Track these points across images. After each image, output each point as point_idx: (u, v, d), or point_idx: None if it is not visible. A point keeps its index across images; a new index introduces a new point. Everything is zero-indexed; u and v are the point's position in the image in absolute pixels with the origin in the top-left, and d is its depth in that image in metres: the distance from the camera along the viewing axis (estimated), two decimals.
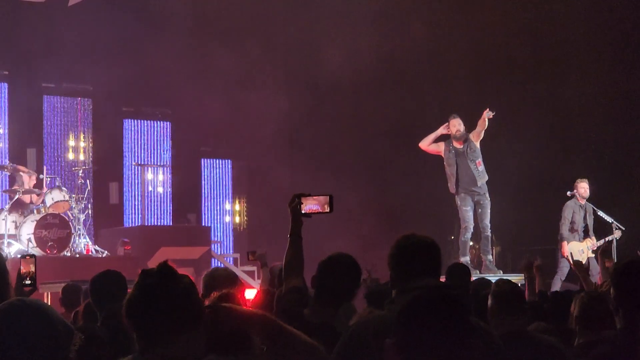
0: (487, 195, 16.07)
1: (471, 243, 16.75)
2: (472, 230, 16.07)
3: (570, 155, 18.97)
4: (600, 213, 16.01)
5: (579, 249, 16.08)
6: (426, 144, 16.17)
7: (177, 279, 3.69)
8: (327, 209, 6.03)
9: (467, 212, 15.98)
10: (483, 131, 15.90)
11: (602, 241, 15.95)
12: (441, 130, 16.04)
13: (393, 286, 4.58)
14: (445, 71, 20.05)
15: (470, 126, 16.04)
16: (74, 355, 4.03)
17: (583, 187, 16.31)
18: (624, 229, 15.79)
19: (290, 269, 5.94)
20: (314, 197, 6.05)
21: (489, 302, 6.95)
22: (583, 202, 16.33)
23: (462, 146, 15.95)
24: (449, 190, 16.16)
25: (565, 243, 16.22)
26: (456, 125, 15.98)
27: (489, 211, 16.06)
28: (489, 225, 16.11)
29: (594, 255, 15.86)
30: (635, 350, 4.69)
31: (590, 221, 16.38)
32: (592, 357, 5.16)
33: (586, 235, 16.35)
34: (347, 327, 4.86)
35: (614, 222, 15.85)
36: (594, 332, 6.54)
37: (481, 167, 15.98)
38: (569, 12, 18.62)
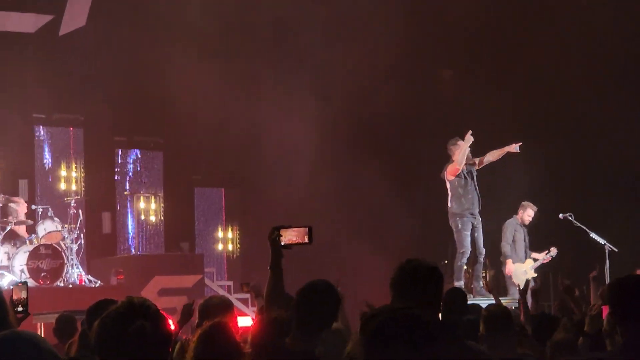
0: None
1: (465, 267, 16.72)
2: (468, 255, 16.02)
3: (559, 182, 19.00)
4: (593, 235, 16.04)
5: (522, 270, 16.36)
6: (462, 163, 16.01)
7: (166, 324, 3.63)
8: (306, 240, 6.05)
9: (466, 237, 15.87)
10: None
11: (542, 256, 16.64)
12: (468, 141, 15.88)
13: None
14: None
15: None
16: None
17: (529, 215, 16.76)
18: (616, 250, 15.82)
19: (271, 301, 5.99)
20: (294, 229, 6.08)
21: (480, 326, 7.01)
22: (522, 223, 16.79)
23: (467, 168, 15.92)
24: (452, 210, 15.98)
25: (510, 261, 16.47)
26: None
27: (482, 234, 16.08)
28: (484, 250, 16.10)
29: (536, 275, 16.23)
30: None
31: (527, 243, 16.84)
32: None
33: (526, 256, 16.67)
34: (342, 354, 4.86)
35: (607, 243, 15.88)
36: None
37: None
38: None
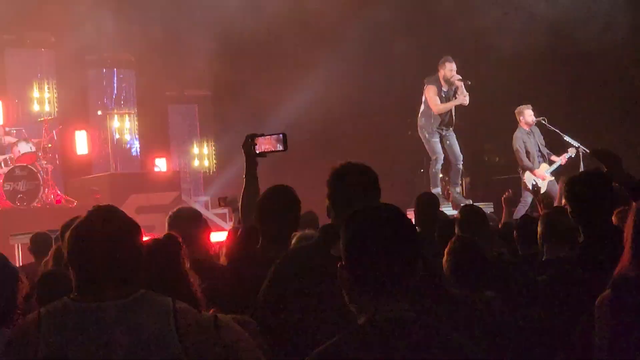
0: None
1: (441, 175, 16.61)
2: (442, 161, 15.94)
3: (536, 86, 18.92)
4: (567, 138, 15.97)
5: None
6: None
7: (137, 228, 3.55)
8: (280, 148, 6.06)
9: (436, 144, 15.80)
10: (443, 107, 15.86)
11: (560, 159, 15.96)
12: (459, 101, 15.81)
13: (333, 211, 4.41)
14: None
15: None
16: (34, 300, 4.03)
17: (529, 115, 15.97)
18: (588, 151, 15.69)
19: (247, 210, 5.95)
20: (267, 137, 6.10)
21: (455, 227, 7.07)
22: (528, 128, 16.08)
23: (448, 90, 15.82)
24: (420, 123, 15.90)
25: (536, 171, 15.95)
26: (453, 68, 15.78)
27: (456, 142, 15.99)
28: (461, 156, 16.01)
29: (552, 178, 15.93)
30: (594, 261, 4.66)
31: (540, 142, 16.16)
32: (550, 276, 5.19)
33: (542, 159, 16.16)
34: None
35: (580, 146, 15.80)
36: (559, 248, 6.23)
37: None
38: None
